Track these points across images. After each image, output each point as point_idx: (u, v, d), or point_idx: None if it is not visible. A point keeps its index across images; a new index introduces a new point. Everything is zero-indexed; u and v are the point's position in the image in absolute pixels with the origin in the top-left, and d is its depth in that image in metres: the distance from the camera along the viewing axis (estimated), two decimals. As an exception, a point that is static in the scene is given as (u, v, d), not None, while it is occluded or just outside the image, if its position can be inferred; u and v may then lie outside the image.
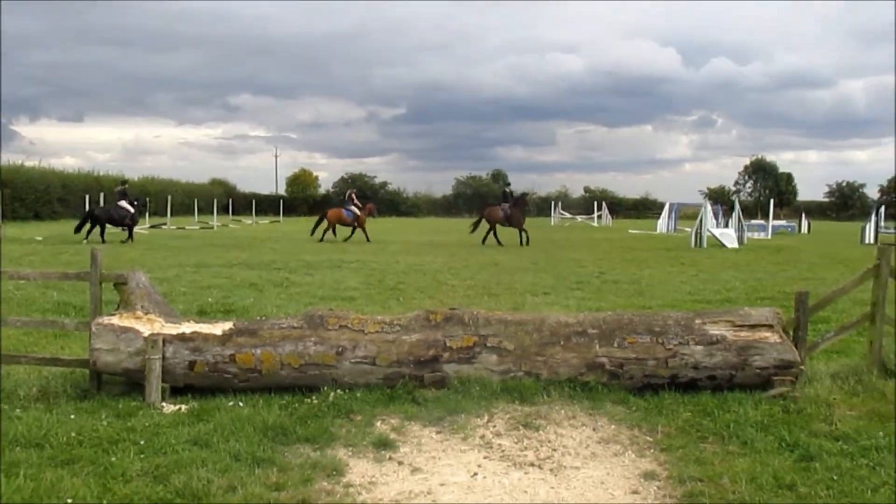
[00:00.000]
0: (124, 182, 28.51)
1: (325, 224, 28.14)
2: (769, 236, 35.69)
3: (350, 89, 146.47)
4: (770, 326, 5.94)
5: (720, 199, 61.63)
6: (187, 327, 5.86)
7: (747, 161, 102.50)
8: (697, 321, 5.99)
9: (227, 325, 5.95)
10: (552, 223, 54.54)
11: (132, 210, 25.53)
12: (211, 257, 19.00)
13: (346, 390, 5.75)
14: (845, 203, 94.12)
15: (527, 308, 10.26)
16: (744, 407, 5.51)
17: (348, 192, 32.30)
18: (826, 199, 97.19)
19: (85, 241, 23.41)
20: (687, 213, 47.40)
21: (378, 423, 5.23)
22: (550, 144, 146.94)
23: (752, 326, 5.93)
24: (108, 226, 24.92)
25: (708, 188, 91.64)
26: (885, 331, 6.45)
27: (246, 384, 5.73)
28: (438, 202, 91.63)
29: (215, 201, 46.89)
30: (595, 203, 60.91)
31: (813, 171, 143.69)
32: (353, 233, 28.34)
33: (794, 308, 6.30)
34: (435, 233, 37.60)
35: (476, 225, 27.64)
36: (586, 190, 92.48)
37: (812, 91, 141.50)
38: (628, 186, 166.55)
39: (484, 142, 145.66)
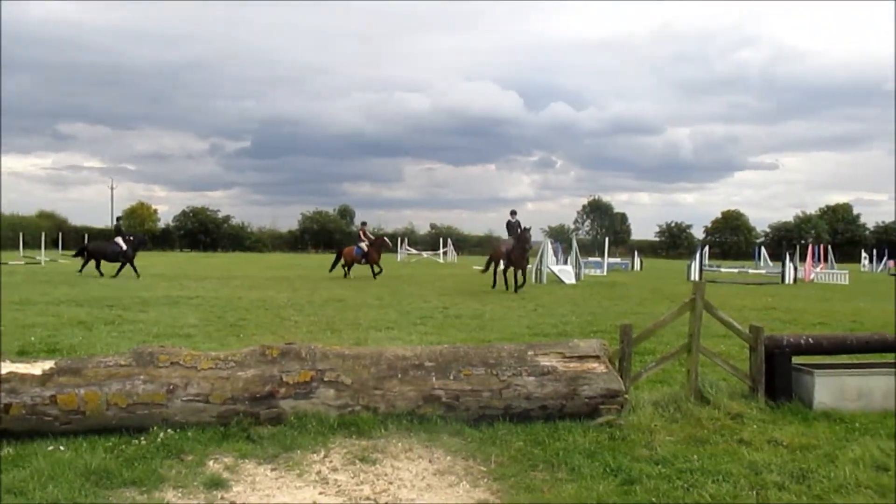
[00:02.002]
0: (118, 218, 29.83)
1: (342, 261, 28.51)
2: (605, 273, 37.32)
3: (192, 121, 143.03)
4: (597, 357, 6.23)
5: (560, 237, 63.98)
6: (3, 368, 5.50)
7: (585, 201, 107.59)
8: (530, 353, 6.20)
9: (48, 365, 5.64)
10: (398, 259, 54.90)
11: (124, 246, 26.20)
12: (36, 294, 17.91)
13: (178, 430, 5.55)
14: (674, 242, 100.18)
15: (369, 343, 10.27)
16: (573, 435, 5.74)
17: (360, 226, 31.04)
18: (657, 239, 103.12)
19: (78, 273, 25.62)
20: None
21: (210, 463, 5.08)
22: (398, 181, 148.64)
23: (581, 357, 6.20)
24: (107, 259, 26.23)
25: (549, 226, 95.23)
26: (701, 360, 6.91)
27: (68, 426, 5.42)
28: (284, 237, 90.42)
29: (43, 235, 44.27)
30: (441, 239, 61.88)
31: (645, 211, 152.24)
32: (372, 268, 28.06)
33: (619, 340, 6.64)
34: (280, 268, 37.03)
35: (488, 265, 24.68)
36: (432, 226, 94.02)
37: (643, 137, 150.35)
38: (473, 223, 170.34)
39: (331, 177, 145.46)
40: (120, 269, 25.75)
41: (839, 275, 35.69)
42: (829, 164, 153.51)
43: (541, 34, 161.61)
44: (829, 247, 45.44)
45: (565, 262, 31.43)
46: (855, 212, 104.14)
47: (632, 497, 4.58)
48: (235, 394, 5.66)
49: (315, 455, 5.28)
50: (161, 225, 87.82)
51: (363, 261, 27.94)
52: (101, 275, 25.22)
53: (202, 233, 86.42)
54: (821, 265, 39.95)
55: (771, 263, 46.29)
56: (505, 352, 6.23)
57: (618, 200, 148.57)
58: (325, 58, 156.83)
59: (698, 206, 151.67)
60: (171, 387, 5.58)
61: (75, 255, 26.83)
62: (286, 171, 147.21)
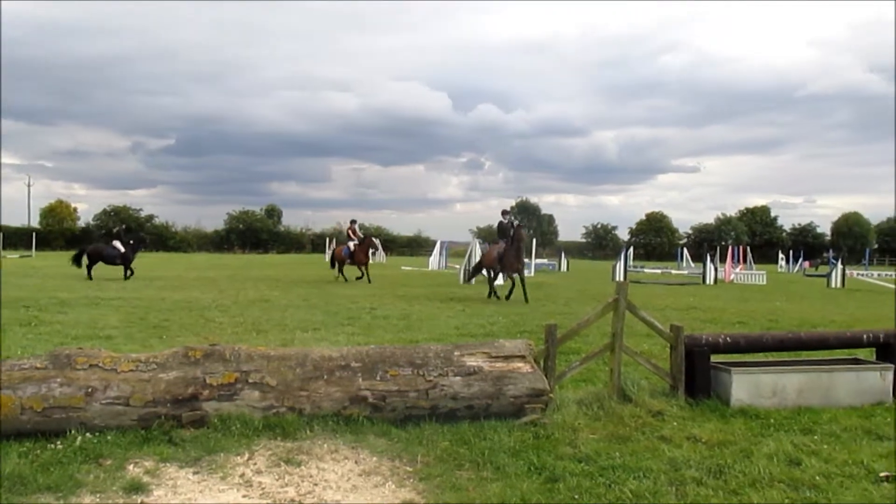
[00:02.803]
0: (122, 222, 28.65)
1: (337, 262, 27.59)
2: (532, 273, 37.69)
3: (113, 118, 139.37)
4: (523, 357, 6.30)
5: (488, 238, 64.36)
6: None
7: (513, 202, 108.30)
8: (456, 353, 6.23)
9: (-41, 367, 5.43)
10: (326, 259, 54.47)
11: (122, 249, 25.85)
12: (-53, 294, 17.22)
13: (97, 433, 5.40)
14: (600, 243, 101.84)
15: (296, 344, 10.17)
16: (498, 434, 5.79)
17: (349, 224, 29.06)
18: (583, 240, 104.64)
19: (88, 278, 24.50)
20: (457, 251, 49.08)
21: (130, 467, 4.97)
22: (326, 181, 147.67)
23: (507, 357, 6.26)
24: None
25: (477, 227, 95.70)
26: (624, 359, 7.05)
27: (-21, 431, 5.24)
28: (210, 237, 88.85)
29: (-45, 233, 42.62)
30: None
31: (572, 213, 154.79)
32: (363, 274, 26.48)
33: (544, 340, 6.73)
34: (205, 268, 36.38)
35: (474, 274, 23.43)
36: (361, 227, 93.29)
37: (569, 139, 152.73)
38: (402, 224, 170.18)
39: (258, 176, 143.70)
40: (126, 273, 25.37)
41: (757, 275, 36.85)
42: (747, 167, 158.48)
43: (469, 35, 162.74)
44: (748, 248, 46.87)
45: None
46: (772, 214, 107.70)
47: (555, 494, 4.65)
48: (157, 396, 5.54)
49: (239, 457, 5.21)
50: (81, 224, 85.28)
51: (349, 261, 26.84)
52: (90, 278, 24.67)
53: (249, 233, 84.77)
54: (740, 266, 41.18)
55: (693, 264, 47.55)
56: (431, 352, 6.25)
57: (545, 202, 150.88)
58: (251, 54, 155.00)
59: (623, 208, 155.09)
60: (90, 390, 5.43)
61: (76, 256, 25.91)
62: (211, 170, 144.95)
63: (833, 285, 32.04)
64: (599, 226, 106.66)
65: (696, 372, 7.06)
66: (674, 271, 43.03)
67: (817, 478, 5.02)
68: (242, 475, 4.92)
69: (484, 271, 22.74)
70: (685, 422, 6.38)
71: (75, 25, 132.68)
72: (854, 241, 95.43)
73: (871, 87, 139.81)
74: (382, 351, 6.27)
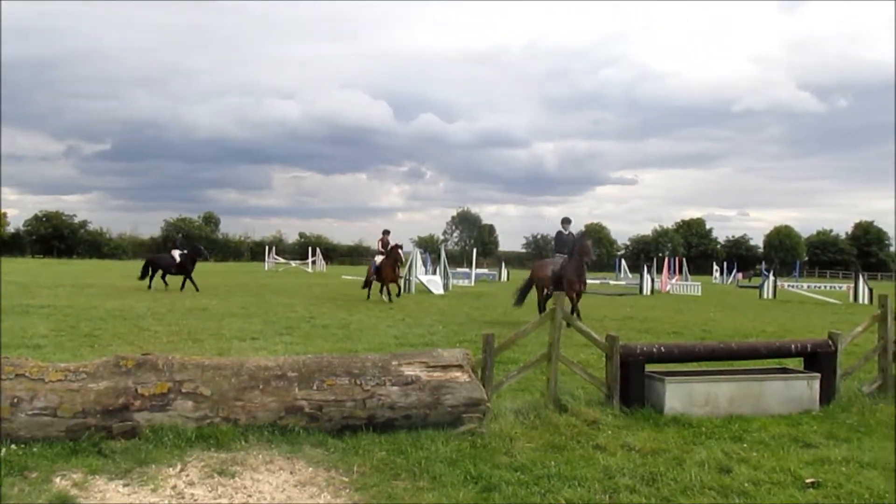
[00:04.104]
0: (178, 230, 27.67)
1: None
2: (472, 283, 37.86)
3: (46, 121, 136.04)
4: (460, 367, 6.31)
5: (429, 248, 64.54)
6: None
7: (454, 212, 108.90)
8: (394, 363, 6.22)
9: None
10: (266, 268, 53.95)
11: (177, 259, 25.25)
12: None
13: (23, 445, 5.25)
14: (540, 253, 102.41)
15: (233, 353, 10.04)
16: (436, 444, 5.78)
17: (381, 235, 24.10)
18: (524, 250, 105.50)
19: (149, 288, 24.38)
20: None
21: (57, 480, 4.83)
22: (266, 189, 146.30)
23: (445, 367, 6.26)
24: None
25: (418, 236, 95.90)
26: (561, 369, 7.12)
27: None
28: (146, 244, 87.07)
29: None
30: (310, 248, 61.18)
31: (512, 223, 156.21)
32: (388, 293, 22.69)
33: (482, 349, 6.76)
34: (140, 276, 35.61)
35: (524, 295, 18.29)
36: (301, 235, 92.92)
37: (510, 150, 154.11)
38: (343, 233, 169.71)
39: (197, 183, 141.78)
40: (183, 283, 24.81)
41: (692, 286, 37.56)
42: (684, 180, 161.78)
43: (412, 45, 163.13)
44: (684, 259, 47.70)
45: (434, 273, 31.69)
46: (707, 226, 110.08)
47: (491, 503, 4.67)
48: (86, 407, 5.41)
49: (171, 469, 5.11)
50: (10, 230, 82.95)
51: (375, 278, 22.90)
52: (150, 287, 24.48)
53: (56, 238, 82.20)
54: (676, 277, 41.87)
55: (630, 275, 48.24)
56: (369, 361, 6.22)
57: (486, 212, 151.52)
58: (191, 59, 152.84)
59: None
60: (16, 400, 5.28)
61: (143, 269, 25.61)
62: (148, 176, 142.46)
63: (765, 296, 32.84)
64: (540, 236, 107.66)
65: (631, 381, 7.17)
66: (612, 282, 43.60)
67: (746, 484, 5.13)
68: (174, 487, 4.83)
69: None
70: (620, 430, 6.47)
71: (9, 25, 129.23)
72: (785, 253, 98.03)
73: (803, 105, 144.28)
74: (319, 360, 6.22)
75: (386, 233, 24.01)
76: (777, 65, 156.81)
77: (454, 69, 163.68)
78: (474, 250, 47.47)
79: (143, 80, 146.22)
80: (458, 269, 45.71)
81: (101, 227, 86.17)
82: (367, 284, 23.43)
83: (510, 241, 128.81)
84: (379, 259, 22.67)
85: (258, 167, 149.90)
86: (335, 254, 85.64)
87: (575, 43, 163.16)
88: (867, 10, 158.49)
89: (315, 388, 5.90)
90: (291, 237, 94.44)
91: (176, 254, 25.66)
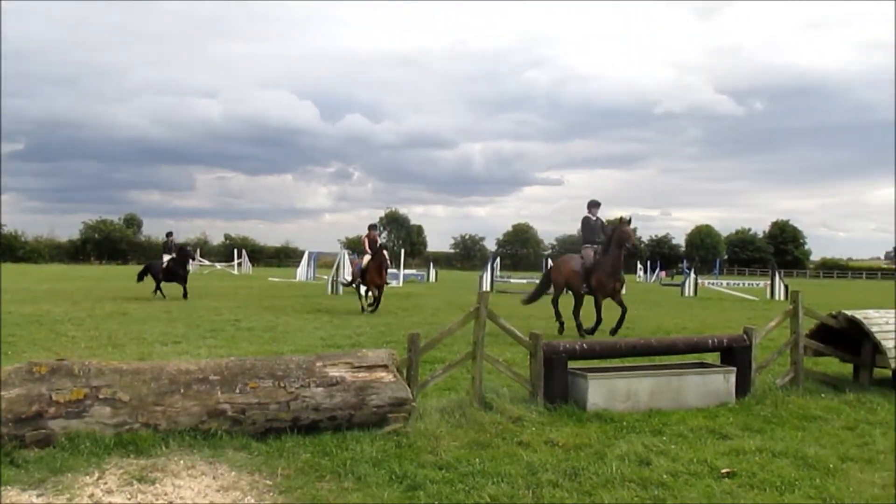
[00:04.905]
0: (168, 233, 26.74)
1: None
2: (400, 284, 37.80)
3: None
4: (385, 367, 6.32)
5: (357, 249, 64.18)
6: None
7: (382, 213, 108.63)
8: (318, 364, 6.18)
9: None
10: (190, 271, 52.86)
11: (165, 264, 23.70)
12: None
13: (-71, 457, 5.06)
14: (468, 254, 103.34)
15: (154, 358, 9.82)
16: (361, 444, 5.77)
17: (367, 231, 20.79)
18: (452, 250, 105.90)
19: (156, 294, 23.13)
20: (326, 262, 48.65)
21: (-34, 492, 4.67)
22: (189, 190, 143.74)
23: (370, 367, 6.26)
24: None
25: (346, 238, 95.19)
26: (486, 367, 7.18)
27: None
28: (64, 247, 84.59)
29: None
30: (235, 250, 60.28)
31: (440, 223, 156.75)
32: (374, 299, 19.51)
33: (407, 349, 6.77)
34: (58, 280, 34.61)
35: (537, 296, 16.76)
36: (227, 237, 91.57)
37: (437, 151, 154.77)
38: (270, 234, 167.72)
39: (117, 184, 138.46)
40: (185, 291, 23.09)
41: (617, 285, 38.16)
42: (609, 181, 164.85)
43: (338, 45, 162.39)
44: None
45: (362, 274, 31.50)
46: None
47: (415, 502, 4.71)
48: (-3, 415, 5.23)
49: (88, 477, 4.98)
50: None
51: (360, 280, 19.84)
52: (157, 293, 23.29)
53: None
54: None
55: (557, 274, 48.74)
56: (293, 363, 6.17)
57: (414, 213, 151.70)
58: (109, 57, 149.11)
59: (490, 219, 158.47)
60: (-79, 410, 5.07)
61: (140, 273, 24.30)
62: (66, 177, 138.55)
63: (686, 294, 33.68)
64: (467, 236, 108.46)
65: (555, 378, 7.27)
66: (539, 281, 44.04)
67: (665, 476, 5.27)
68: (91, 496, 4.71)
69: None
70: (543, 427, 6.56)
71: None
72: (706, 251, 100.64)
73: (721, 108, 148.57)
74: (242, 363, 6.14)
75: (372, 228, 20.79)
76: (696, 69, 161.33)
77: (380, 70, 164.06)
78: (402, 251, 47.40)
79: (59, 78, 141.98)
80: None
81: (15, 230, 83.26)
82: (353, 284, 21.02)
83: (438, 241, 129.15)
84: (365, 260, 19.53)
85: (181, 168, 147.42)
86: (262, 255, 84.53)
87: (499, 45, 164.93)
88: (780, 17, 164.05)
89: (238, 391, 5.83)
90: (216, 239, 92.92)
91: (166, 258, 24.17)
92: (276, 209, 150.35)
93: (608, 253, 14.04)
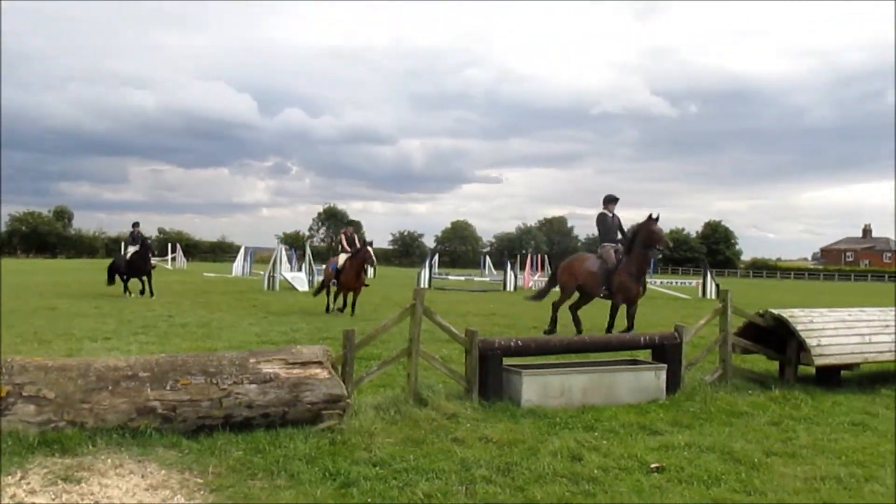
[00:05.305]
0: (135, 224, 23.48)
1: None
2: (338, 280, 37.52)
3: None
4: (320, 363, 6.27)
5: (294, 244, 63.58)
6: None
7: (321, 208, 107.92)
8: (252, 360, 6.11)
9: None
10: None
11: (127, 258, 21.86)
12: None
13: None
14: (407, 250, 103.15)
15: (83, 354, 9.58)
16: (294, 442, 5.73)
17: (343, 230, 19.58)
18: (391, 247, 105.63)
19: (125, 294, 21.28)
20: (262, 257, 48.08)
21: None
22: (122, 182, 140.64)
23: (304, 364, 6.21)
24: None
25: (284, 233, 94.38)
26: (422, 364, 7.19)
27: None
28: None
29: None
30: (170, 245, 59.13)
31: (379, 220, 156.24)
32: (344, 299, 18.10)
33: (342, 345, 6.74)
34: (-18, 274, 33.47)
35: (544, 294, 15.59)
36: (161, 231, 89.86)
37: (376, 147, 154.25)
38: (205, 229, 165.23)
39: (45, 175, 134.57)
40: (150, 288, 21.33)
41: (554, 282, 38.56)
42: (546, 179, 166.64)
43: (277, 38, 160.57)
44: (546, 256, 49.02)
45: (299, 270, 31.29)
46: (569, 224, 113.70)
47: (348, 499, 4.69)
48: (-86, 414, 5.04)
49: (10, 478, 4.83)
50: None
51: (334, 282, 17.81)
52: (126, 292, 21.61)
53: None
54: (538, 273, 42.97)
55: (495, 272, 49.12)
56: (226, 360, 6.09)
57: (353, 208, 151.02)
58: (38, 44, 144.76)
59: (429, 216, 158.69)
60: None
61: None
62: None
63: (621, 292, 34.09)
64: (406, 233, 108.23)
65: (490, 374, 7.32)
66: (476, 278, 44.27)
67: (596, 471, 5.35)
68: (13, 496, 4.58)
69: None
70: (478, 423, 6.60)
71: None
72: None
73: (656, 109, 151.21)
74: (174, 359, 6.03)
75: (349, 225, 19.06)
76: (633, 70, 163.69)
77: (319, 65, 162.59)
78: (340, 247, 47.13)
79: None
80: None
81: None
82: (324, 289, 18.87)
83: (377, 238, 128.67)
84: (342, 259, 17.65)
85: (113, 159, 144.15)
86: (197, 250, 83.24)
87: (438, 43, 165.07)
88: (715, 21, 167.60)
89: (169, 388, 5.72)
90: (150, 233, 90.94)
91: (130, 251, 22.17)
92: (212, 203, 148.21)
93: (631, 253, 12.68)
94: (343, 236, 18.73)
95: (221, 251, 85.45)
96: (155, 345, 11.02)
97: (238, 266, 41.26)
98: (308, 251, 31.85)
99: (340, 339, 6.89)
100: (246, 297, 22.72)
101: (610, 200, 13.62)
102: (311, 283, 28.90)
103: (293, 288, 27.19)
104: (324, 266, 19.50)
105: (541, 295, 15.46)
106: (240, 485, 4.89)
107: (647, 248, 12.57)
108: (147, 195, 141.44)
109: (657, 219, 12.51)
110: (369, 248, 17.63)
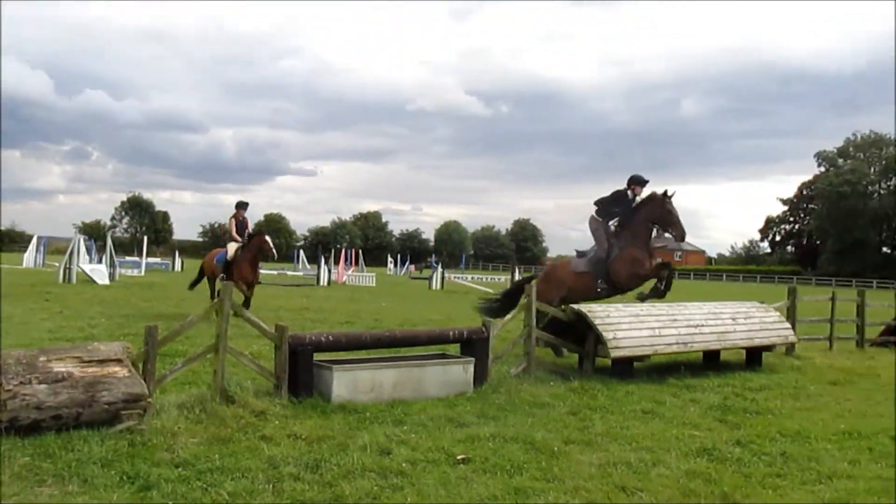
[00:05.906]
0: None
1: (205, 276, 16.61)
2: (143, 273, 35.88)
3: None
4: (120, 361, 5.96)
5: (94, 234, 60.03)
6: None
7: (124, 197, 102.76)
8: (42, 358, 5.71)
9: None
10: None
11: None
12: None
13: None
14: (217, 243, 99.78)
15: None
16: (89, 444, 5.41)
17: (235, 211, 16.03)
18: (200, 239, 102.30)
19: None
20: (58, 248, 45.08)
21: None
22: None
23: (102, 362, 5.87)
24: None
25: (82, 222, 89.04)
26: (230, 360, 6.99)
27: None
28: None
29: None
30: (-49, 233, 54.27)
31: (188, 210, 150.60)
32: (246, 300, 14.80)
33: (144, 342, 6.43)
34: None
35: (513, 297, 11.37)
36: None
37: (185, 134, 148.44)
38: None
39: None
40: None
41: (368, 277, 38.81)
42: (362, 174, 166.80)
43: (79, 14, 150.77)
44: (361, 251, 49.16)
45: (99, 261, 29.56)
46: (384, 220, 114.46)
47: (147, 502, 4.49)
48: None
49: None
50: None
51: (223, 276, 15.00)
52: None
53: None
54: (352, 268, 43.05)
55: (308, 266, 48.70)
56: (12, 358, 5.64)
57: (159, 198, 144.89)
58: None
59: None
60: None
61: None
62: None
63: (434, 287, 34.82)
64: (217, 225, 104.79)
65: (300, 370, 7.23)
66: (289, 272, 43.73)
67: (404, 465, 5.42)
68: None
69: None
70: (287, 420, 6.51)
71: None
72: (454, 246, 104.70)
73: (470, 108, 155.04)
74: (-50, 359, 5.53)
75: (241, 206, 15.98)
76: (447, 69, 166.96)
77: (125, 45, 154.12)
78: (145, 238, 45.06)
79: None
80: (128, 258, 43.15)
81: None
82: (200, 282, 17.00)
83: (186, 229, 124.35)
84: (232, 248, 15.21)
85: None
86: (-18, 240, 76.74)
87: (254, 29, 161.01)
88: (527, 24, 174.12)
89: (-56, 390, 5.24)
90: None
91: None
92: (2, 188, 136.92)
93: (631, 226, 10.64)
94: (233, 221, 15.68)
95: (11, 240, 79.19)
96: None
97: (30, 257, 38.41)
98: (110, 242, 30.11)
99: (139, 335, 6.57)
100: (38, 290, 21.20)
101: (637, 182, 10.91)
102: (111, 276, 27.40)
103: (92, 281, 25.64)
104: (205, 258, 17.24)
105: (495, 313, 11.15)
106: (26, 492, 4.57)
107: (653, 225, 10.64)
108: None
109: (672, 196, 10.55)
110: (267, 238, 15.49)
